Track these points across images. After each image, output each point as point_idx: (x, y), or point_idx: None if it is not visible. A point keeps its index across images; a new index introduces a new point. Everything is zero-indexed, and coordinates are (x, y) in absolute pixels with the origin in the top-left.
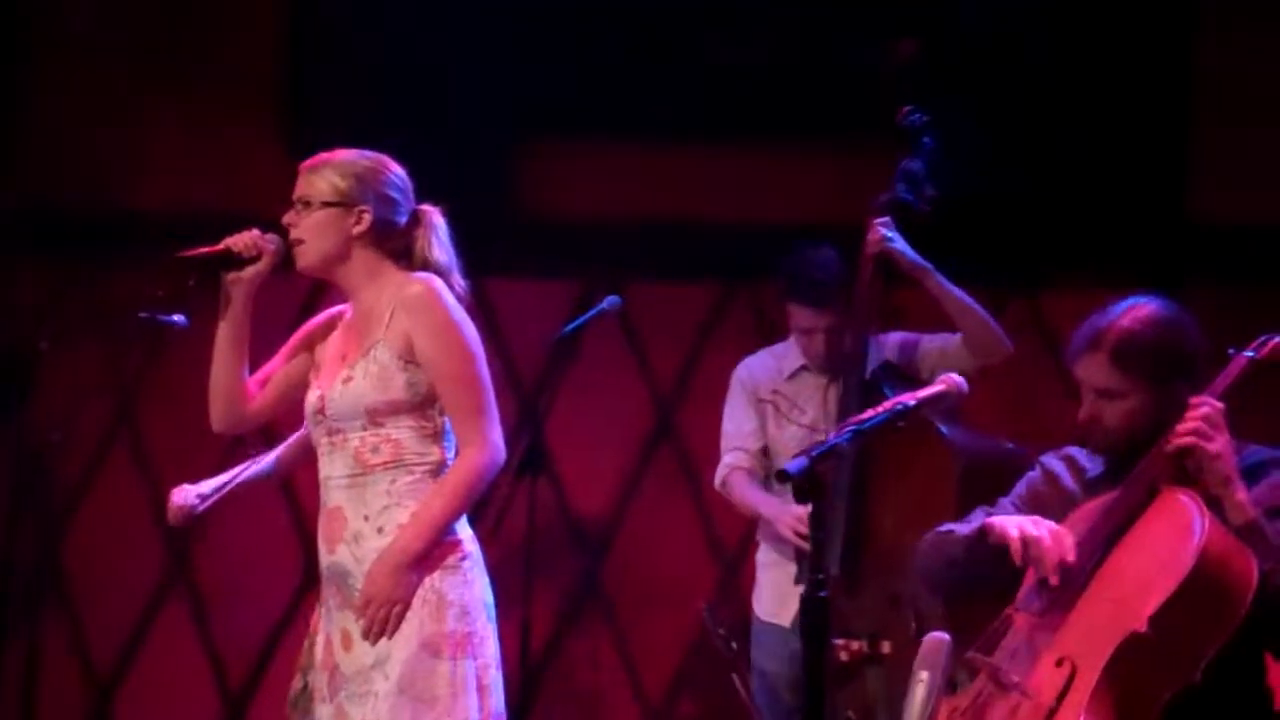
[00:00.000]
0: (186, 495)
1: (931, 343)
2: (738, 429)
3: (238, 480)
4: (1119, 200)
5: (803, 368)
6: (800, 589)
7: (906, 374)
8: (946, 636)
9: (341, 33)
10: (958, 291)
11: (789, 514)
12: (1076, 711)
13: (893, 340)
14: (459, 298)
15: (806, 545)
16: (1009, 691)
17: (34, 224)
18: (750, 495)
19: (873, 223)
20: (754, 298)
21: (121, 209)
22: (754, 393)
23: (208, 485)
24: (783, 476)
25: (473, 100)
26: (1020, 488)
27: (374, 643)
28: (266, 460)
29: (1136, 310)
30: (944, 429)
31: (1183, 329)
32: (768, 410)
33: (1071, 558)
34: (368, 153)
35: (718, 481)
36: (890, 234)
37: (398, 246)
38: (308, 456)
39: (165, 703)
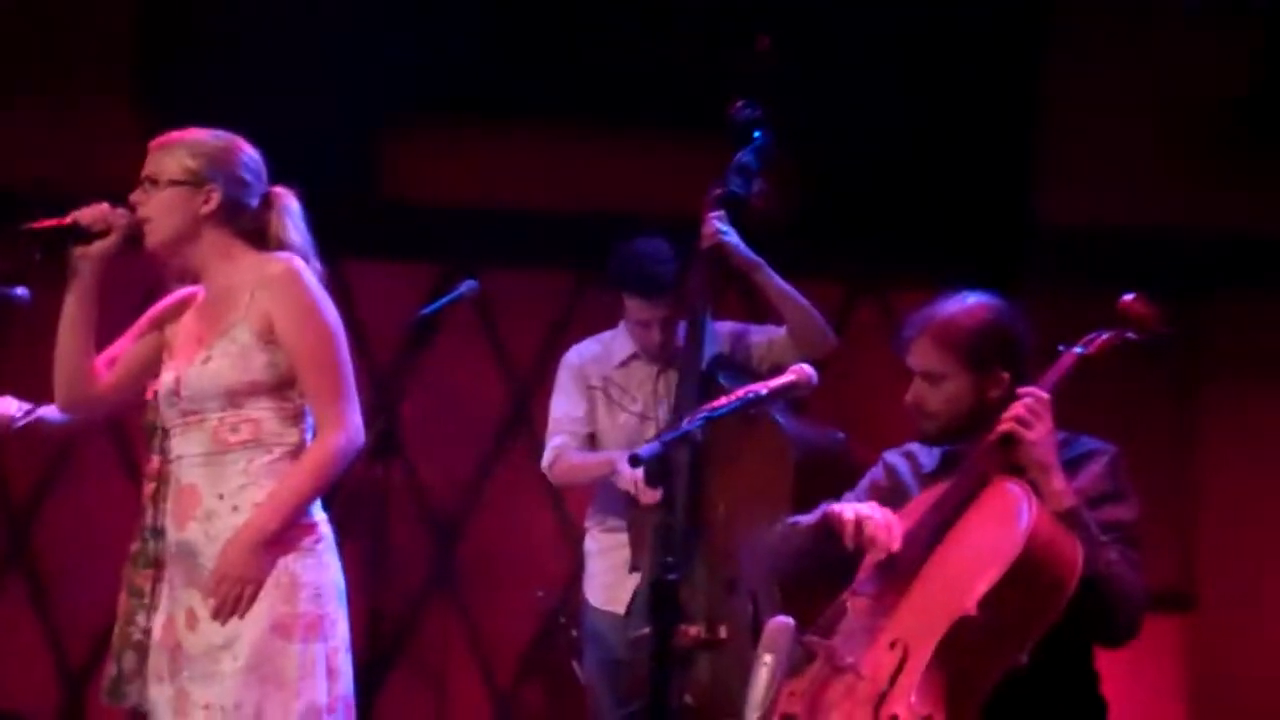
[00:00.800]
0: (8, 404)
1: (760, 334)
2: (566, 414)
3: (49, 410)
4: (966, 202)
5: (633, 356)
6: (634, 576)
7: (739, 363)
8: (790, 620)
9: (199, 8)
10: (785, 286)
11: (628, 469)
12: (908, 692)
13: (723, 330)
14: (319, 278)
15: (646, 496)
16: (845, 673)
17: None
18: (583, 458)
19: (707, 216)
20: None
21: None
22: (584, 379)
23: (18, 405)
24: (635, 461)
25: (334, 81)
26: (863, 482)
27: (224, 622)
28: None
29: (961, 301)
30: (779, 418)
31: (1004, 318)
32: (598, 397)
33: (898, 542)
34: (220, 132)
35: (545, 464)
36: (724, 228)
37: (250, 228)
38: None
39: (5, 681)
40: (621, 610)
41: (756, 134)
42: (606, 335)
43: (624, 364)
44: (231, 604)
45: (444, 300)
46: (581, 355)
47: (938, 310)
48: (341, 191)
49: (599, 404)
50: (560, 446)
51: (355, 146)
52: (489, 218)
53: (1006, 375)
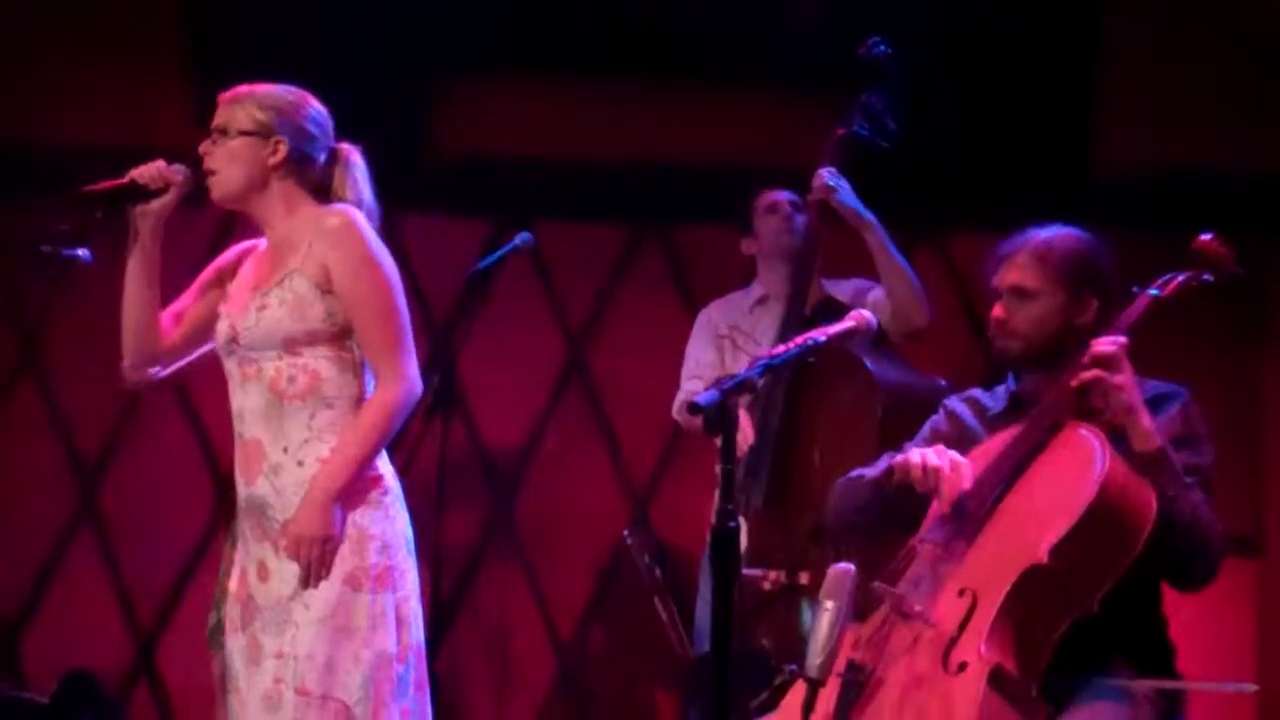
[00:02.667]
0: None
1: (877, 293)
2: (697, 360)
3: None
4: (1025, 146)
5: (761, 300)
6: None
7: (846, 311)
8: (851, 566)
9: None
10: (892, 252)
11: (742, 433)
12: (977, 640)
13: (846, 287)
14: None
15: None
16: (912, 620)
17: None
18: None
19: (819, 170)
20: (665, 238)
21: (19, 143)
22: (713, 329)
23: None
24: (694, 409)
25: (385, 37)
26: (924, 430)
27: (316, 585)
28: None
29: (1057, 228)
30: (870, 364)
31: (1098, 248)
32: (725, 345)
33: (968, 486)
34: (289, 87)
35: (675, 409)
36: (835, 183)
37: (315, 182)
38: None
39: (74, 640)
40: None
41: (888, 73)
42: (743, 289)
43: (753, 309)
44: (317, 565)
45: (499, 254)
46: (713, 307)
47: (1036, 231)
48: (394, 147)
49: (726, 351)
50: (689, 391)
51: (407, 102)
52: (542, 170)
53: (1096, 303)
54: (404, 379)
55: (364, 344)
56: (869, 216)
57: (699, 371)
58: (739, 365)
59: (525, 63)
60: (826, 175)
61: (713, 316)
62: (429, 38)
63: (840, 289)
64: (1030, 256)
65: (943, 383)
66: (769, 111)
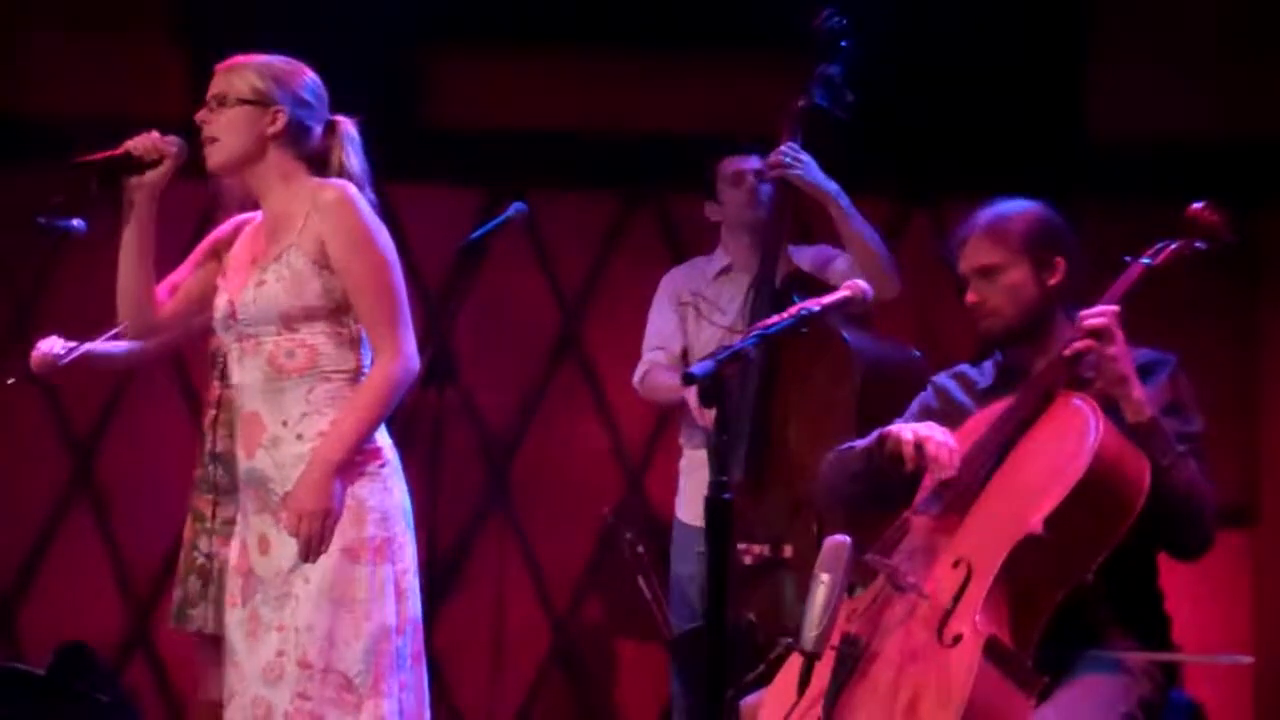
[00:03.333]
0: (53, 344)
1: (840, 263)
2: (658, 330)
3: (95, 346)
4: (1018, 112)
5: (725, 269)
6: None
7: (816, 282)
8: (847, 539)
9: None
10: (858, 222)
11: (701, 414)
12: (972, 611)
13: (808, 254)
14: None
15: (702, 416)
16: (906, 592)
17: None
18: (660, 376)
19: (779, 148)
20: (659, 207)
21: (12, 113)
22: (676, 296)
23: (63, 344)
24: (689, 379)
25: (377, 6)
26: (913, 407)
27: (315, 560)
28: (120, 344)
29: (1004, 203)
30: (847, 335)
31: (1049, 213)
32: (688, 312)
33: (959, 458)
34: (285, 57)
35: (636, 378)
36: (791, 159)
37: (312, 153)
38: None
39: (70, 612)
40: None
41: (843, 44)
42: (705, 256)
43: (717, 277)
44: (317, 539)
45: (492, 224)
46: (677, 273)
47: (984, 211)
48: (385, 118)
49: (689, 318)
50: (650, 362)
51: (399, 72)
52: (535, 140)
53: (1061, 260)
54: (402, 354)
55: (362, 319)
56: (830, 187)
57: (660, 341)
58: (701, 333)
59: (518, 32)
60: (785, 152)
61: (676, 283)
62: (421, 7)
63: (801, 256)
64: (985, 234)
65: (916, 353)
66: (764, 79)
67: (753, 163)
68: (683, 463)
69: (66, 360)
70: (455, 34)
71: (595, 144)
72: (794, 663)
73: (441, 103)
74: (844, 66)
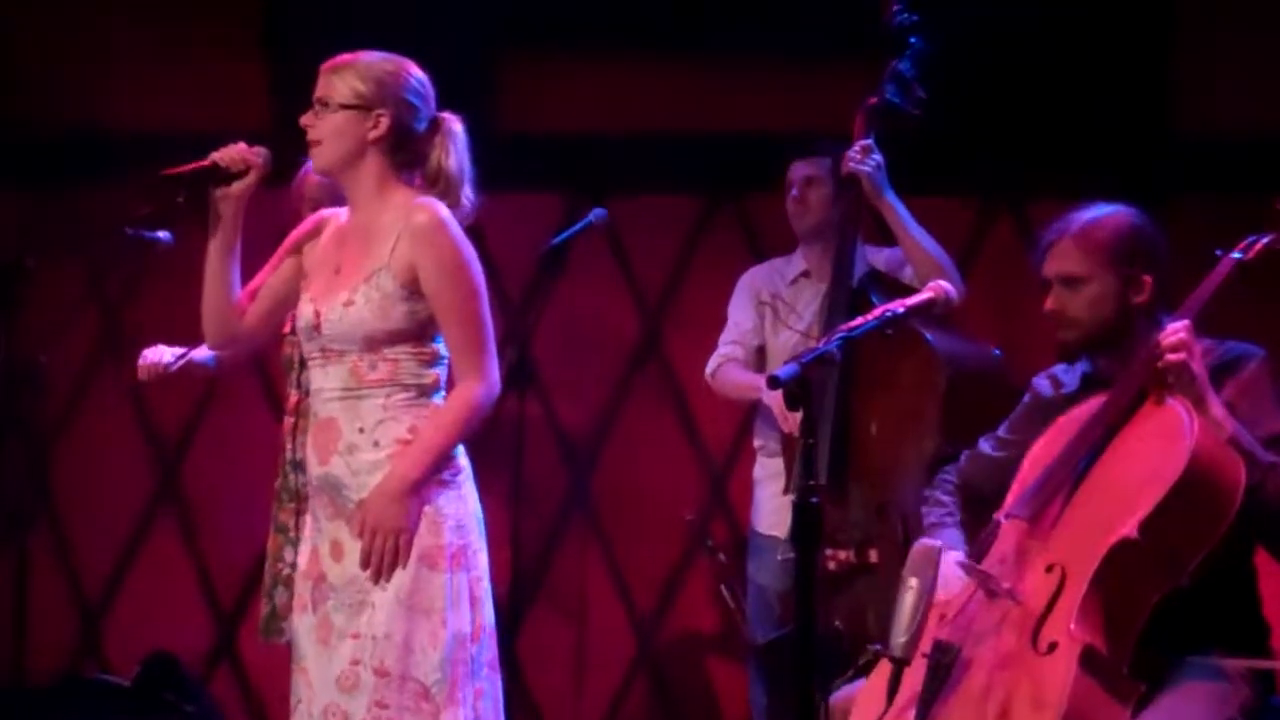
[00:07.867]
0: (161, 353)
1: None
2: (737, 324)
3: (198, 353)
4: (1103, 113)
5: (803, 274)
6: (792, 499)
7: (894, 282)
8: (937, 543)
9: None
10: (915, 232)
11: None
12: (1067, 617)
13: (883, 255)
14: (470, 210)
15: (787, 422)
16: (999, 598)
17: (8, 146)
18: (742, 376)
19: (855, 143)
20: (740, 209)
21: (100, 129)
22: (756, 294)
23: (171, 353)
24: (774, 382)
25: (456, 12)
26: (1018, 410)
27: (388, 578)
28: (208, 351)
29: (1099, 208)
30: (930, 337)
31: (1144, 223)
32: (766, 312)
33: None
34: (390, 55)
35: (709, 370)
36: (863, 162)
37: (412, 155)
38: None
39: (156, 623)
40: (783, 535)
41: (913, 40)
42: (784, 257)
43: (794, 282)
44: (390, 555)
45: (573, 230)
46: (756, 272)
47: (1076, 216)
48: (467, 123)
49: (767, 319)
50: (725, 356)
51: (479, 77)
52: (614, 144)
53: (1149, 279)
54: (486, 381)
55: (448, 343)
56: (890, 197)
57: (738, 336)
58: (778, 336)
59: (596, 37)
60: (856, 154)
61: (756, 281)
62: (500, 12)
63: (877, 256)
64: (1074, 242)
65: (996, 352)
66: (842, 79)
67: (802, 170)
68: (757, 470)
69: (175, 367)
70: (533, 39)
71: (674, 146)
72: (883, 668)
73: (520, 108)
74: (914, 62)
